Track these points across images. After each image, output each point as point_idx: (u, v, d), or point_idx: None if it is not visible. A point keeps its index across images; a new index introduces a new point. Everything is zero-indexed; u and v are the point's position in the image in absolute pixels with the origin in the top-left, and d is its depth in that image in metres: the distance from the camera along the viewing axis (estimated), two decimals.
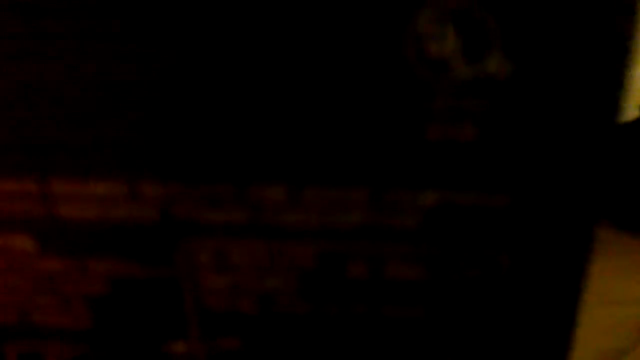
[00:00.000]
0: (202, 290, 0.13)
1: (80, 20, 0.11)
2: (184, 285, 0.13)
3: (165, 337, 0.14)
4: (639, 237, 0.28)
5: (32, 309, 0.14)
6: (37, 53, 0.11)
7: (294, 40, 0.10)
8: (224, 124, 0.11)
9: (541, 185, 0.11)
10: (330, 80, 0.11)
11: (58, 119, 0.12)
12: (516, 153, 0.11)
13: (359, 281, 0.13)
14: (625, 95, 0.10)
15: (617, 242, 0.28)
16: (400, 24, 0.10)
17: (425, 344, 0.13)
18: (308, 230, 0.12)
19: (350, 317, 0.13)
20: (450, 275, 0.13)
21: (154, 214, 0.13)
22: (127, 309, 0.14)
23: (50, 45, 0.11)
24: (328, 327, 0.14)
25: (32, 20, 0.11)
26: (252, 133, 0.12)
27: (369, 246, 0.12)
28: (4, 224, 0.13)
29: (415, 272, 0.13)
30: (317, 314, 0.13)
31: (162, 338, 0.14)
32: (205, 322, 0.14)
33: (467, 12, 0.10)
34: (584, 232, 0.12)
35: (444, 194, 0.12)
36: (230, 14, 0.10)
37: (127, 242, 0.13)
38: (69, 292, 0.14)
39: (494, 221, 0.12)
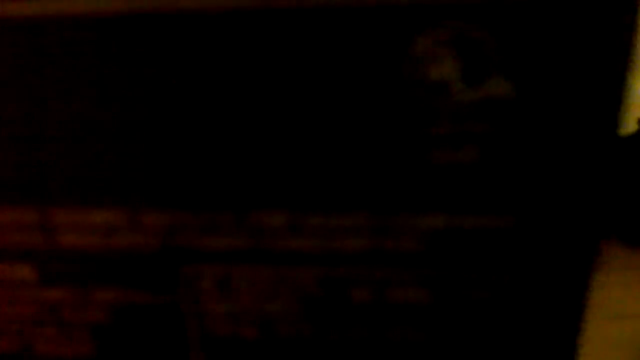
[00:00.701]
0: (204, 316, 0.13)
1: (83, 49, 0.11)
2: (187, 311, 0.13)
3: None
4: None
5: (35, 338, 0.14)
6: (38, 85, 0.11)
7: (295, 68, 0.10)
8: (224, 152, 0.11)
9: (544, 204, 0.11)
10: (332, 107, 0.11)
11: (58, 150, 0.12)
12: (519, 173, 0.11)
13: (363, 305, 0.13)
14: (624, 112, 0.10)
15: (622, 256, 0.27)
16: (400, 49, 0.10)
17: None
18: (310, 256, 0.12)
19: (354, 342, 0.13)
20: (454, 297, 0.12)
21: (155, 242, 0.12)
22: (130, 337, 0.14)
23: (49, 75, 0.11)
24: (331, 351, 0.13)
25: (33, 55, 0.11)
26: (253, 159, 0.12)
27: (372, 271, 0.12)
28: (5, 253, 0.13)
29: (419, 296, 0.13)
30: (320, 338, 0.13)
31: None
32: (208, 348, 0.14)
33: (466, 36, 0.10)
34: (587, 250, 0.12)
35: (447, 217, 0.12)
36: (230, 41, 0.10)
37: (129, 270, 0.13)
38: (72, 321, 0.14)
39: (497, 242, 0.12)
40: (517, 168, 0.11)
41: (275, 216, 0.12)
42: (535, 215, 0.11)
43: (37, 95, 0.11)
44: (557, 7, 0.09)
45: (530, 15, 0.09)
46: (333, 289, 0.13)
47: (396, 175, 0.11)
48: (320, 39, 0.10)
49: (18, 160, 0.12)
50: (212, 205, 0.12)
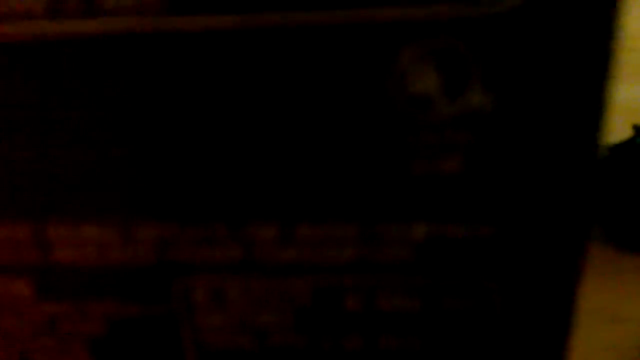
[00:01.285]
0: (199, 328, 0.14)
1: (74, 68, 0.11)
2: (182, 323, 0.14)
3: None
4: (638, 255, 0.28)
5: (32, 351, 0.14)
6: (29, 102, 0.11)
7: (281, 82, 0.11)
8: (215, 165, 0.12)
9: (529, 212, 0.11)
10: (318, 121, 0.11)
11: (50, 164, 0.12)
12: (502, 183, 0.11)
13: (355, 314, 0.13)
14: (606, 119, 0.10)
15: (616, 260, 0.28)
16: (384, 63, 0.10)
17: None
18: (302, 266, 0.12)
19: (347, 350, 0.13)
20: (444, 305, 0.13)
21: (149, 255, 0.13)
22: (126, 349, 0.14)
23: (40, 92, 0.11)
24: None
25: (23, 73, 0.11)
26: (243, 172, 0.12)
27: (363, 279, 0.13)
28: (0, 269, 0.13)
29: (409, 304, 0.13)
30: (314, 347, 0.13)
31: None
32: (203, 359, 0.14)
33: (447, 50, 0.10)
34: (573, 255, 0.12)
35: (433, 227, 0.12)
36: (219, 59, 0.11)
37: (124, 283, 0.13)
38: (68, 335, 0.14)
39: (483, 251, 0.12)
40: (500, 177, 0.11)
41: (266, 228, 0.12)
42: (520, 223, 0.11)
43: (28, 113, 0.12)
44: (534, 18, 0.09)
45: (508, 27, 0.09)
46: (325, 299, 0.13)
47: (381, 185, 0.11)
48: (304, 56, 0.10)
49: (10, 176, 0.12)
50: (204, 218, 0.12)
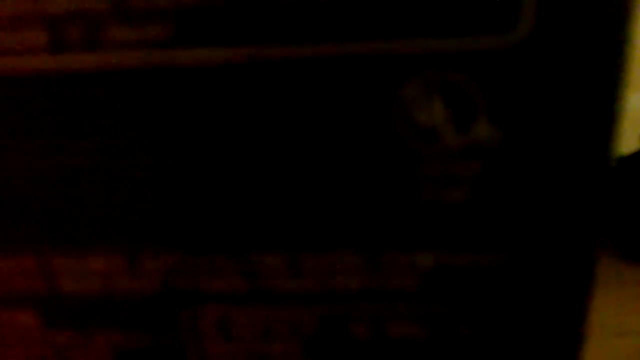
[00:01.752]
0: (207, 357, 0.13)
1: (80, 101, 0.11)
2: (189, 353, 0.13)
3: None
4: None
5: None
6: (34, 136, 0.11)
7: (287, 113, 0.11)
8: (220, 195, 0.12)
9: (537, 240, 0.11)
10: (327, 151, 0.11)
11: (54, 195, 0.12)
12: (509, 211, 0.11)
13: (362, 342, 0.13)
14: (613, 153, 0.10)
15: (625, 273, 0.27)
16: (389, 95, 0.10)
17: None
18: (308, 295, 0.12)
19: None
20: (452, 333, 0.13)
21: (155, 285, 0.13)
22: None
23: (43, 124, 0.11)
24: None
25: (25, 106, 0.11)
26: (249, 202, 0.12)
27: (370, 308, 0.12)
28: (6, 300, 0.13)
29: (417, 331, 0.13)
30: None
31: None
32: None
33: (453, 82, 0.10)
34: (582, 282, 0.12)
35: (440, 255, 0.12)
36: (224, 92, 0.11)
37: (131, 313, 0.13)
38: None
39: (492, 279, 0.12)
40: (507, 206, 0.11)
41: (272, 257, 0.12)
42: (529, 251, 0.11)
43: (33, 145, 0.12)
44: (541, 50, 0.09)
45: (515, 59, 0.09)
46: (332, 327, 0.13)
47: (388, 214, 0.11)
48: (311, 87, 0.10)
49: (15, 207, 0.12)
50: (209, 248, 0.12)
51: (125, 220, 0.12)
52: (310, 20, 0.10)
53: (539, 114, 0.10)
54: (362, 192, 0.11)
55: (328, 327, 0.13)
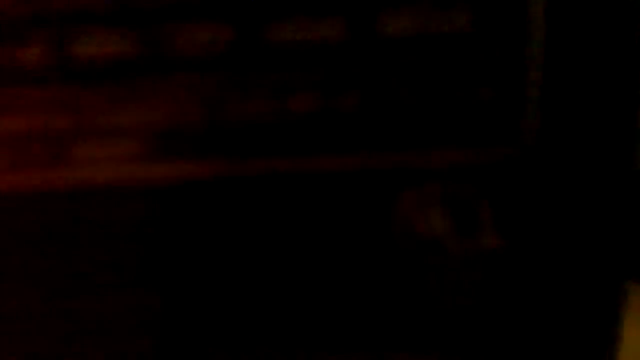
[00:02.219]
0: None
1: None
2: None
3: None
4: None
5: None
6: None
7: (294, 235, 0.10)
8: (224, 303, 0.11)
9: (545, 345, 0.11)
10: (327, 260, 0.10)
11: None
12: (514, 320, 0.11)
13: None
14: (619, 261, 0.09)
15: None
16: (387, 208, 0.10)
17: None
18: None
19: None
20: None
21: None
22: None
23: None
24: None
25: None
26: (262, 312, 0.11)
27: None
28: None
29: None
30: None
31: None
32: None
33: (452, 193, 0.09)
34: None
35: (445, 357, 0.11)
36: (232, 209, 0.10)
37: None
38: None
39: None
40: (511, 314, 0.10)
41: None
42: (539, 350, 0.11)
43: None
44: (546, 157, 0.09)
45: (518, 171, 0.09)
46: None
47: (396, 320, 0.11)
48: (313, 200, 0.10)
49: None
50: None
51: None
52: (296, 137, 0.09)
53: (542, 222, 0.10)
54: (371, 302, 0.11)
55: None
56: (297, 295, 0.13)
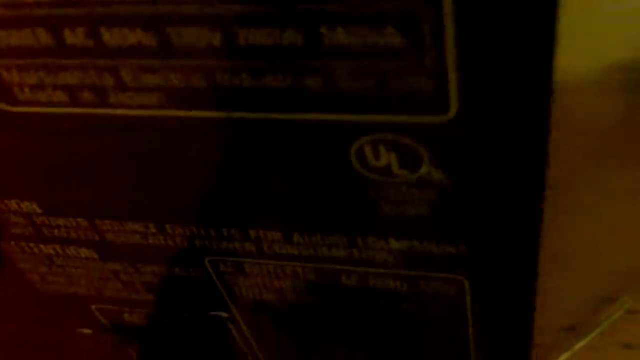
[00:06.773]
0: None
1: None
2: None
3: None
4: None
5: None
6: None
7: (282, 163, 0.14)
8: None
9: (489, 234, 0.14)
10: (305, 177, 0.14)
11: None
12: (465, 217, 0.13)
13: None
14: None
15: None
16: (348, 147, 0.13)
17: None
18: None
19: None
20: None
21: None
22: None
23: None
24: None
25: None
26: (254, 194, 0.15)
27: None
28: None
29: None
30: None
31: None
32: None
33: (400, 141, 0.12)
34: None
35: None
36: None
37: None
38: None
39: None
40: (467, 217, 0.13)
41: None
42: (484, 240, 0.14)
43: None
44: (471, 122, 0.11)
45: (449, 129, 0.12)
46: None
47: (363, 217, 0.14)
48: (290, 144, 0.13)
49: None
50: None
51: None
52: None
53: (479, 163, 0.12)
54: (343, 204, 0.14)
55: None
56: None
